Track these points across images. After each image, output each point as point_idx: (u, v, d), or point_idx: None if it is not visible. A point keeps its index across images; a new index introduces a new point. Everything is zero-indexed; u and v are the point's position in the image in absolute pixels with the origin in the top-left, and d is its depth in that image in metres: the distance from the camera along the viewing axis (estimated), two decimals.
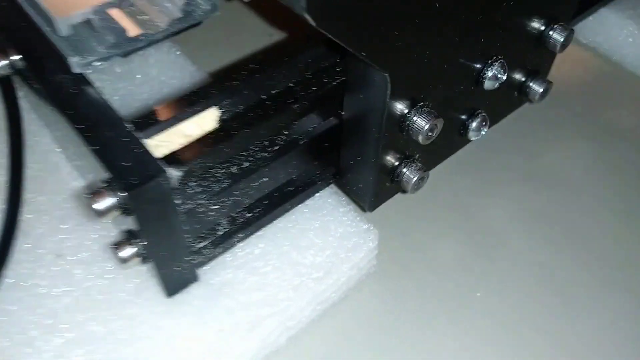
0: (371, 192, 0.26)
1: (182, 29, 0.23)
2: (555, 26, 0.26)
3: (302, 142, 0.24)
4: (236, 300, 0.24)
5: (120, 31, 0.22)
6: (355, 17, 0.17)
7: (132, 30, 0.23)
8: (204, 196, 0.22)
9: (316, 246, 0.25)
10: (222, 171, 0.22)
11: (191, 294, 0.24)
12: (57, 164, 0.29)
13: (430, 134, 0.23)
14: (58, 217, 0.27)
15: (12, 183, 0.27)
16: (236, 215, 0.24)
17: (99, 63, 0.22)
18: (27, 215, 0.26)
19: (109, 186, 0.19)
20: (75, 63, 0.22)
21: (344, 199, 0.27)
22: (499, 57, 0.25)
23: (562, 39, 0.26)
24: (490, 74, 0.25)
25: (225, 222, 0.24)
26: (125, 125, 0.20)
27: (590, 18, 0.37)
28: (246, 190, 0.23)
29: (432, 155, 0.27)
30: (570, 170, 0.32)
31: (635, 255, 0.28)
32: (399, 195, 0.29)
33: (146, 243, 0.21)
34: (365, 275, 0.27)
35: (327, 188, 0.27)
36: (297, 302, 0.24)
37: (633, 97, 0.36)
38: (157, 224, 0.20)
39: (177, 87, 0.31)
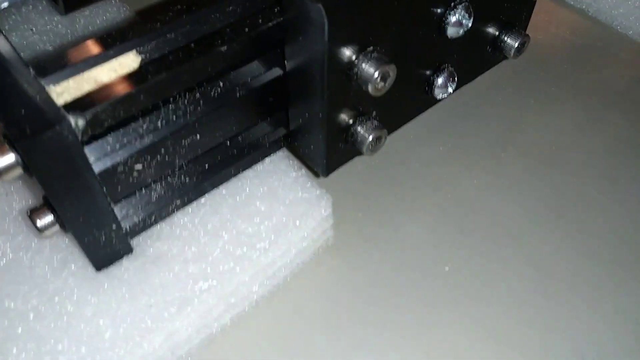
0: (323, 154, 0.23)
1: None
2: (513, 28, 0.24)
3: (239, 94, 0.21)
4: (172, 273, 0.21)
5: None
6: None
7: None
8: (125, 153, 0.19)
9: (262, 214, 0.23)
10: (145, 124, 0.19)
11: (122, 266, 0.22)
12: None
13: (381, 83, 0.20)
14: None
15: None
16: (171, 179, 0.22)
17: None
18: None
19: (7, 140, 0.17)
20: None
21: (297, 163, 0.25)
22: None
23: (515, 45, 0.24)
24: (453, 18, 0.22)
25: (158, 187, 0.22)
26: (26, 69, 0.18)
27: None
28: (177, 148, 0.21)
29: (392, 114, 0.24)
30: (551, 137, 0.29)
31: (618, 226, 0.26)
32: (362, 164, 0.26)
33: (57, 207, 0.18)
34: (321, 248, 0.25)
35: (279, 152, 0.25)
36: (240, 275, 0.22)
37: (622, 60, 0.33)
38: (65, 184, 0.18)
39: (94, 21, 0.29)
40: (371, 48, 0.20)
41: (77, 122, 0.17)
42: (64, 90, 0.18)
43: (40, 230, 0.20)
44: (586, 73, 0.32)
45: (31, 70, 0.18)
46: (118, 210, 0.21)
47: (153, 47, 0.19)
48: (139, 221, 0.21)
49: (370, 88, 0.20)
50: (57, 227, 0.20)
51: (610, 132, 0.29)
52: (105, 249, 0.21)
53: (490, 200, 0.27)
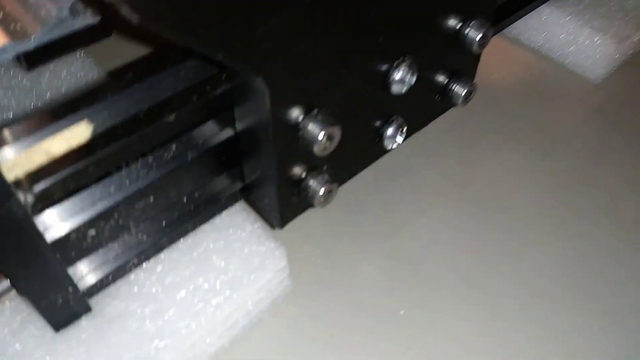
0: (277, 207, 0.24)
1: (58, 38, 0.21)
2: (472, 22, 0.25)
3: (192, 156, 0.22)
4: (129, 332, 0.22)
5: None
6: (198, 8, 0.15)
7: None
8: (77, 220, 0.20)
9: (218, 269, 0.23)
10: (97, 192, 0.20)
11: (80, 326, 0.22)
12: None
13: (327, 143, 0.21)
14: None
15: None
16: (128, 238, 0.22)
17: None
18: None
19: None
20: None
21: (254, 215, 0.25)
22: (407, 57, 0.23)
23: (479, 35, 0.25)
24: (396, 76, 0.23)
25: (115, 247, 0.22)
26: None
27: (531, 18, 0.35)
28: (131, 211, 0.21)
29: (344, 166, 0.25)
30: (504, 180, 0.30)
31: (569, 266, 0.27)
32: (316, 211, 0.27)
33: (8, 276, 0.19)
34: (280, 297, 0.25)
35: (236, 205, 0.25)
36: (198, 331, 0.22)
37: (572, 97, 0.34)
38: (17, 254, 0.18)
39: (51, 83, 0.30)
40: (316, 111, 0.21)
41: (27, 198, 0.18)
42: (15, 165, 0.19)
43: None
44: (539, 111, 0.33)
45: None
46: (74, 272, 0.21)
47: (105, 117, 0.20)
48: (96, 281, 0.22)
49: (315, 149, 0.21)
50: (13, 292, 0.20)
51: (561, 169, 0.30)
52: (62, 310, 0.21)
53: (443, 242, 0.27)
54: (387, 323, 0.25)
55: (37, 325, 0.22)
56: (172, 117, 0.20)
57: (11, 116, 0.29)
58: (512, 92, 0.34)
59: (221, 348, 0.24)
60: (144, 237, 0.23)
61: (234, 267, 0.23)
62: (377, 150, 0.26)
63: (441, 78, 0.26)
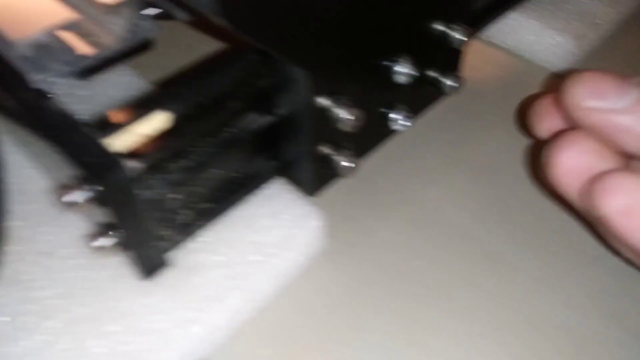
0: (310, 179, 0.30)
1: (129, 49, 0.27)
2: (454, 26, 0.31)
3: (243, 138, 0.28)
4: (205, 278, 0.28)
5: (70, 50, 0.26)
6: (271, 22, 0.21)
7: (82, 49, 0.27)
8: (163, 187, 0.26)
9: (268, 227, 0.29)
10: (177, 165, 0.26)
11: (162, 276, 0.28)
12: (31, 177, 0.32)
13: (351, 122, 0.27)
14: (38, 222, 0.30)
15: None
16: (195, 205, 0.28)
17: (54, 79, 0.26)
18: (12, 223, 0.30)
19: (79, 181, 0.23)
20: (35, 80, 0.26)
21: (290, 187, 0.31)
22: (406, 54, 0.29)
23: (463, 38, 0.31)
24: (399, 69, 0.29)
25: (185, 212, 0.28)
26: (86, 128, 0.24)
27: (501, 22, 0.42)
28: (201, 182, 0.27)
29: (362, 144, 0.31)
30: (490, 154, 0.37)
31: (550, 219, 0.33)
32: (342, 183, 0.33)
33: (116, 231, 0.25)
34: (317, 253, 0.31)
35: (274, 179, 0.31)
36: (258, 275, 0.28)
37: (541, 87, 0.41)
38: (122, 211, 0.24)
39: (119, 92, 0.35)
40: (341, 97, 0.27)
41: (134, 166, 0.24)
42: (119, 143, 0.25)
43: (98, 250, 0.26)
44: (514, 101, 0.40)
45: (87, 128, 0.25)
46: (160, 232, 0.27)
47: (180, 105, 0.26)
48: (172, 240, 0.28)
49: (343, 127, 0.27)
50: (112, 248, 0.26)
51: (534, 147, 0.37)
52: (152, 262, 0.27)
53: (446, 207, 0.34)
54: (405, 272, 0.30)
55: (127, 277, 0.28)
56: (234, 104, 0.26)
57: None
58: (492, 86, 0.41)
59: (274, 293, 0.29)
60: (208, 204, 0.29)
61: (281, 226, 0.29)
62: (386, 131, 0.32)
63: (433, 71, 0.33)
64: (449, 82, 0.33)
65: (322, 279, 0.30)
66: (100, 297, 0.27)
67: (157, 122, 0.25)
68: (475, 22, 0.38)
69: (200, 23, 0.36)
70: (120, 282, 0.28)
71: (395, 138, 0.35)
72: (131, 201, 0.24)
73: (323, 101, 0.27)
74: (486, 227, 0.33)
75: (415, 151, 0.37)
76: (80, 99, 0.35)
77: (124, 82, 0.36)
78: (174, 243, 0.28)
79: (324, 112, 0.27)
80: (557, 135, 0.25)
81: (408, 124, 0.32)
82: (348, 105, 0.27)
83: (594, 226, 0.27)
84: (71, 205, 0.23)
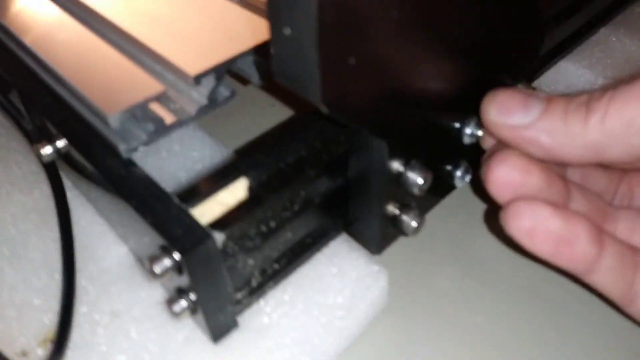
0: (377, 238, 0.30)
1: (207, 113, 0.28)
2: (519, 85, 0.31)
3: (316, 201, 0.28)
4: (274, 341, 0.28)
5: (158, 120, 0.27)
6: (362, 104, 0.22)
7: (168, 118, 0.27)
8: (241, 253, 0.26)
9: (336, 289, 0.29)
10: (255, 231, 0.26)
11: (234, 339, 0.28)
12: (101, 233, 0.33)
13: (424, 186, 0.27)
14: (108, 281, 0.30)
15: (65, 254, 0.31)
16: (267, 267, 0.28)
17: (142, 148, 0.27)
18: (80, 282, 0.30)
19: (165, 252, 0.23)
20: (124, 150, 0.26)
21: (354, 244, 0.31)
22: (473, 116, 0.30)
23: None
24: (468, 131, 0.29)
25: (258, 274, 0.28)
26: (173, 198, 0.25)
27: (551, 70, 0.42)
28: (274, 245, 0.28)
29: (425, 201, 0.31)
30: None
31: None
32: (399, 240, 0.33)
33: (197, 297, 0.25)
34: (379, 311, 0.31)
35: (338, 237, 0.32)
36: (327, 339, 0.28)
37: None
38: (206, 280, 0.24)
39: (197, 158, 0.36)
40: (414, 161, 0.27)
41: (219, 237, 0.24)
42: (202, 213, 0.25)
43: (176, 315, 0.26)
44: None
45: (173, 199, 0.25)
46: (235, 295, 0.27)
47: (262, 173, 0.26)
48: (244, 302, 0.28)
49: (415, 190, 0.27)
50: (189, 312, 0.26)
51: None
52: (221, 326, 0.27)
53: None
54: (467, 328, 0.31)
55: (198, 339, 0.28)
56: (311, 172, 0.26)
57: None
58: None
59: (339, 355, 0.29)
60: (278, 265, 0.29)
61: (349, 287, 0.29)
62: (449, 187, 0.32)
63: None
64: None
65: (385, 337, 0.30)
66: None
67: (239, 190, 0.25)
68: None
69: (273, 87, 0.36)
70: (193, 345, 0.28)
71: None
72: (215, 270, 0.24)
73: (397, 166, 0.27)
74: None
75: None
76: (162, 168, 0.35)
77: (205, 150, 0.36)
78: (246, 305, 0.28)
79: (397, 176, 0.27)
80: (491, 154, 0.27)
81: (468, 179, 0.33)
82: (420, 169, 0.27)
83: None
84: (161, 275, 0.23)
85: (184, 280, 0.24)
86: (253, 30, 0.28)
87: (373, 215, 0.29)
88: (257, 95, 0.45)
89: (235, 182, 0.26)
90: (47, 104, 0.29)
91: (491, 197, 0.27)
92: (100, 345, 0.28)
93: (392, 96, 0.23)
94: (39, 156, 0.30)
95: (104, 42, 0.29)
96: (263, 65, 0.28)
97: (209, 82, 0.26)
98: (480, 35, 0.27)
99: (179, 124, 0.27)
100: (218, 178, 0.26)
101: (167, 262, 0.23)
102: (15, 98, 0.35)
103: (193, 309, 0.26)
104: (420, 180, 0.27)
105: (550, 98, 0.25)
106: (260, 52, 0.28)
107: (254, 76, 0.28)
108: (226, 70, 0.26)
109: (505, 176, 0.26)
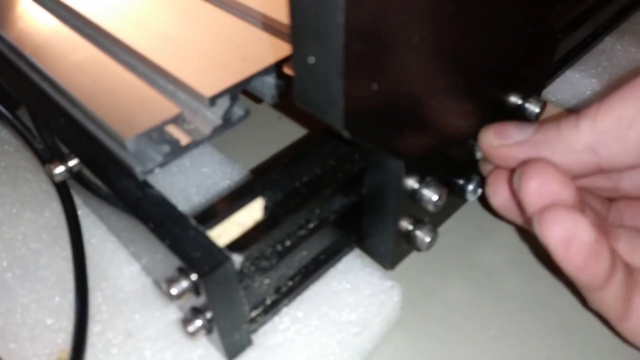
0: (391, 254, 0.30)
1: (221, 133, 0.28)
2: (530, 99, 0.31)
3: (331, 219, 0.28)
4: (289, 359, 0.28)
5: (174, 141, 0.27)
6: (382, 127, 0.22)
7: (183, 139, 0.27)
8: (258, 273, 0.26)
9: (350, 305, 0.29)
10: (271, 251, 0.26)
11: (249, 356, 0.28)
12: (113, 251, 0.33)
13: (439, 203, 0.27)
14: (121, 300, 0.30)
15: (78, 273, 0.31)
16: (281, 285, 0.28)
17: (158, 170, 0.27)
18: (94, 302, 0.30)
19: (183, 273, 0.23)
20: (140, 172, 0.26)
21: (367, 260, 0.31)
22: None
23: (537, 110, 0.31)
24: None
25: (272, 292, 0.28)
26: (190, 220, 0.25)
27: (557, 80, 0.42)
28: (289, 263, 0.28)
29: (438, 216, 0.31)
30: None
31: None
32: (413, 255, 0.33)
33: (214, 317, 0.25)
34: (392, 325, 0.31)
35: (351, 252, 0.32)
36: (341, 355, 0.28)
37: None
38: (223, 301, 0.24)
39: (208, 174, 0.36)
40: (429, 178, 0.27)
41: (237, 259, 0.24)
42: (220, 234, 0.25)
43: (192, 335, 0.26)
44: None
45: (190, 220, 0.25)
46: (251, 314, 0.27)
47: (277, 193, 0.26)
48: (259, 320, 0.28)
49: (431, 207, 0.27)
50: (204, 331, 0.26)
51: None
52: (236, 344, 0.27)
53: (515, 272, 0.34)
54: (480, 342, 0.31)
55: (213, 358, 0.28)
56: (327, 192, 0.26)
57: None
58: None
59: None
60: (292, 282, 0.29)
61: (362, 304, 0.29)
62: (461, 201, 0.32)
63: None
64: None
65: (398, 351, 0.30)
66: None
67: (256, 211, 0.25)
68: None
69: (284, 105, 0.36)
70: None
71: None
72: (232, 291, 0.24)
73: (412, 183, 0.27)
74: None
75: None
76: (173, 184, 0.35)
77: (215, 166, 0.36)
78: (261, 323, 0.28)
79: (412, 193, 0.27)
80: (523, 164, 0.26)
81: (480, 192, 0.33)
82: (435, 186, 0.27)
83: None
84: (178, 296, 0.23)
85: (200, 301, 0.24)
86: (266, 49, 0.28)
87: (387, 231, 0.29)
88: (264, 108, 0.45)
89: (251, 202, 0.26)
90: (59, 124, 0.29)
91: (523, 206, 0.26)
92: None
93: (410, 118, 0.24)
94: (50, 176, 0.30)
95: (117, 63, 0.29)
96: (277, 85, 0.28)
97: (223, 103, 0.26)
98: (495, 55, 0.27)
99: (194, 144, 0.27)
100: (234, 199, 0.26)
101: (184, 283, 0.23)
102: (24, 116, 0.35)
103: (209, 328, 0.26)
104: (435, 197, 0.27)
105: (542, 121, 0.27)
106: (274, 71, 0.28)
107: (268, 95, 0.28)
108: (241, 91, 0.26)
109: (543, 186, 0.25)
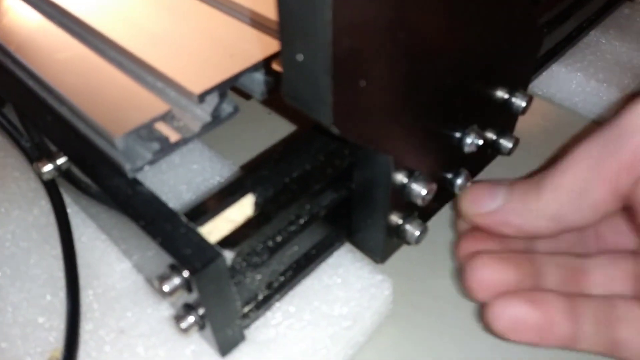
0: (381, 248, 0.30)
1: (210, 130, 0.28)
2: (517, 93, 0.32)
3: (321, 214, 0.28)
4: (281, 353, 0.28)
5: (163, 138, 0.27)
6: (370, 123, 0.22)
7: (173, 136, 0.27)
8: (249, 269, 0.26)
9: (342, 299, 0.30)
10: (262, 246, 0.26)
11: (241, 351, 0.28)
12: (104, 249, 0.33)
13: (428, 197, 0.28)
14: (113, 298, 0.30)
15: (68, 271, 0.31)
16: (273, 280, 0.29)
17: (147, 167, 0.27)
18: (85, 300, 0.30)
19: (175, 271, 0.24)
20: (130, 169, 0.26)
21: (358, 254, 0.32)
22: (473, 125, 0.30)
23: (523, 104, 0.32)
24: (468, 141, 0.30)
25: (264, 287, 0.28)
26: (181, 217, 0.25)
27: (544, 74, 0.43)
28: (280, 259, 0.28)
29: (428, 210, 0.32)
30: None
31: None
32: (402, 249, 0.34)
33: (206, 313, 0.25)
34: (384, 318, 0.31)
35: (341, 247, 0.32)
36: (334, 349, 0.28)
37: (582, 135, 0.42)
38: (215, 297, 0.25)
39: (197, 171, 0.36)
40: (417, 173, 0.28)
41: (228, 255, 0.24)
42: (211, 231, 0.25)
43: (184, 331, 0.26)
44: (557, 149, 0.40)
45: (181, 217, 0.25)
46: (240, 308, 0.28)
47: (268, 189, 0.26)
48: (251, 315, 0.28)
49: (419, 202, 0.27)
50: (196, 327, 0.26)
51: None
52: (228, 340, 0.27)
53: None
54: (469, 331, 0.31)
55: (206, 354, 0.28)
56: (317, 187, 0.26)
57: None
58: (536, 135, 0.42)
59: None
60: (283, 278, 0.29)
61: (354, 298, 0.30)
62: (449, 195, 0.33)
63: (492, 135, 0.34)
64: (506, 143, 0.34)
65: (390, 343, 0.31)
66: None
67: (247, 207, 0.26)
68: None
69: (273, 101, 0.37)
70: (201, 359, 0.28)
71: None
72: (224, 287, 0.25)
73: (401, 178, 0.27)
74: None
75: None
76: (163, 181, 0.35)
77: (204, 162, 0.36)
78: (253, 319, 0.28)
79: (401, 187, 0.28)
80: (470, 256, 0.29)
81: (469, 186, 0.33)
82: (424, 180, 0.27)
83: None
84: (170, 293, 0.23)
85: (192, 297, 0.25)
86: (255, 45, 0.28)
87: (377, 225, 0.29)
88: (253, 104, 0.45)
89: (242, 199, 0.26)
90: (47, 122, 0.29)
91: (474, 297, 0.29)
92: None
93: (398, 114, 0.24)
94: (39, 174, 0.30)
95: (105, 60, 0.29)
96: (266, 81, 0.28)
97: (212, 99, 0.26)
98: (481, 50, 0.27)
99: (183, 141, 0.27)
100: (224, 195, 0.26)
101: (176, 280, 0.24)
102: (11, 114, 0.35)
103: (201, 324, 0.26)
104: (424, 191, 0.27)
105: (513, 183, 0.28)
106: (263, 67, 0.28)
107: (257, 92, 0.28)
108: (230, 87, 0.26)
109: (484, 278, 0.28)
